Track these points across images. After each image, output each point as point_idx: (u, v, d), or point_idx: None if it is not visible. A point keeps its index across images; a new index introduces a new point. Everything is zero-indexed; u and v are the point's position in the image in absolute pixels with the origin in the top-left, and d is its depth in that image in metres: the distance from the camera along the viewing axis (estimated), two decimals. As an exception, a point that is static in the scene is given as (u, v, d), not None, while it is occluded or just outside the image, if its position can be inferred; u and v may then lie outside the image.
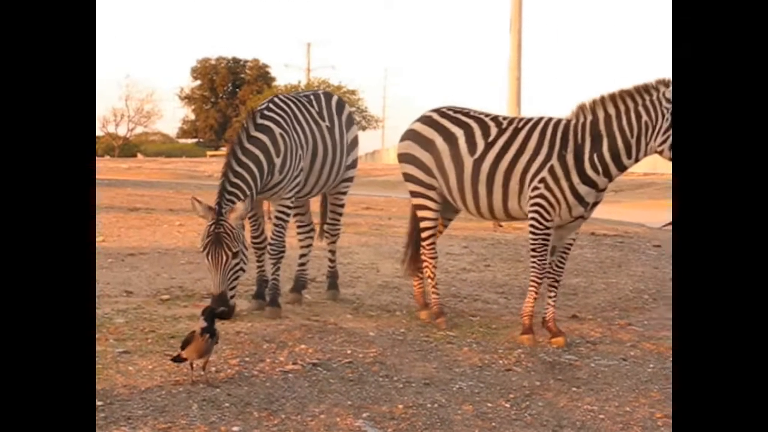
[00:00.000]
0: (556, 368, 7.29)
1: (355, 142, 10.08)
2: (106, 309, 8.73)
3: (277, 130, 8.76)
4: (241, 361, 6.85)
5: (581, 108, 8.13)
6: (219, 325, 6.55)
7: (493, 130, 8.49)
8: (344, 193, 10.22)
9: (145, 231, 16.13)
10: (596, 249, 15.58)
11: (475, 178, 8.42)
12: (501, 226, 18.69)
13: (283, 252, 9.08)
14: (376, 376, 6.71)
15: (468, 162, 8.46)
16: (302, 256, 9.95)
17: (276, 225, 9.01)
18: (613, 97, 7.95)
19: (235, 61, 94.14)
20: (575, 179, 8.02)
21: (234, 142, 8.59)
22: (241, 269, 7.98)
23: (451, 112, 8.82)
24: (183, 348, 6.24)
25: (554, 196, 8.06)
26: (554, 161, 8.08)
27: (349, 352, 7.34)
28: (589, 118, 8.04)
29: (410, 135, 8.91)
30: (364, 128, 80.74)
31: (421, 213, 8.91)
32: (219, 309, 6.49)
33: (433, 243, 8.94)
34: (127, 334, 7.63)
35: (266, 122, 8.78)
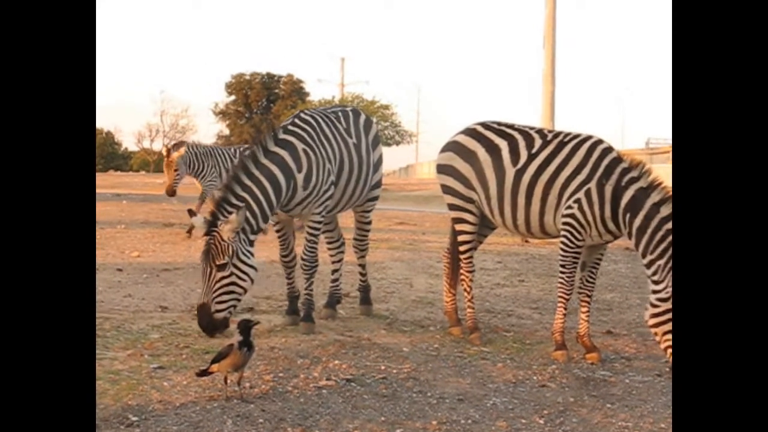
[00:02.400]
0: (590, 384, 7.26)
1: (380, 161, 10.04)
2: (141, 324, 8.79)
3: (300, 146, 8.76)
4: (275, 376, 6.87)
5: (641, 166, 7.97)
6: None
7: (538, 142, 8.46)
8: (370, 211, 10.22)
9: (180, 246, 16.22)
10: (631, 264, 15.51)
11: (515, 188, 8.37)
12: (528, 241, 18.66)
13: (316, 267, 9.09)
14: (409, 392, 6.70)
15: (510, 172, 8.43)
16: (335, 271, 9.96)
17: (308, 240, 9.02)
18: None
19: (270, 76, 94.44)
20: (607, 212, 7.95)
21: (246, 156, 8.61)
22: (234, 284, 7.98)
23: (495, 125, 8.81)
24: (217, 361, 6.27)
25: (586, 219, 8.02)
26: (593, 185, 8.01)
27: (382, 367, 7.34)
28: (642, 183, 7.81)
29: (452, 146, 8.89)
30: (398, 143, 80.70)
31: (459, 226, 8.89)
32: (254, 322, 6.50)
33: (471, 257, 8.93)
34: (162, 350, 7.67)
35: (289, 137, 8.77)
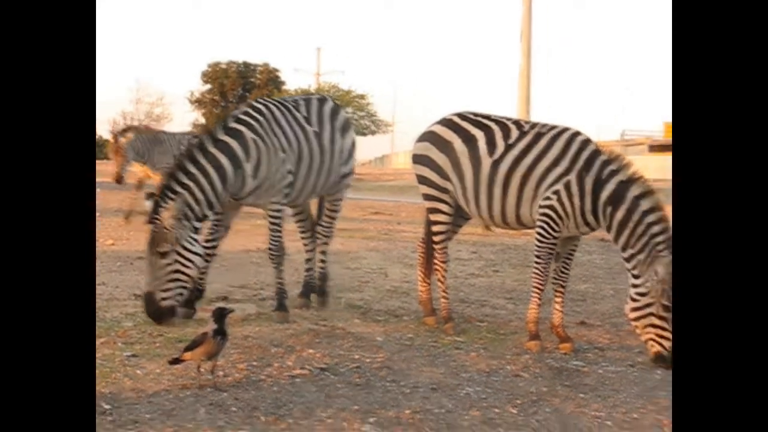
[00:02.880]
0: (563, 374, 7.27)
1: (352, 149, 9.90)
2: (115, 312, 8.76)
3: (249, 135, 8.66)
4: (248, 365, 6.85)
5: (620, 158, 8.00)
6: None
7: (515, 133, 8.42)
8: (341, 199, 10.04)
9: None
10: (605, 255, 15.57)
11: (492, 179, 8.33)
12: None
13: (282, 256, 9.04)
14: (383, 381, 6.70)
15: (486, 163, 8.38)
16: (308, 260, 9.91)
17: (271, 230, 8.96)
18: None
19: (246, 65, 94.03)
20: (587, 205, 7.95)
21: (193, 144, 8.56)
22: (178, 271, 8.03)
23: (471, 115, 8.77)
24: (190, 349, 6.25)
25: (564, 210, 8.00)
26: (573, 177, 8.00)
27: (356, 356, 7.34)
28: (623, 176, 7.86)
29: (428, 137, 8.86)
30: (373, 132, 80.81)
31: (433, 216, 8.86)
32: (228, 311, 6.49)
33: (445, 247, 8.91)
34: (135, 338, 7.65)
35: (238, 126, 8.69)
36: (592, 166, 7.95)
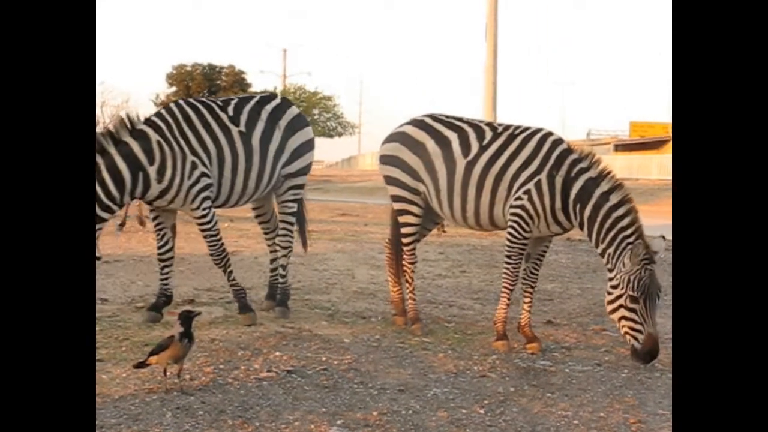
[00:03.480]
0: (530, 374, 7.29)
1: (303, 148, 9.41)
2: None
3: (154, 137, 8.42)
4: (215, 368, 6.83)
5: (590, 156, 8.01)
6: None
7: (488, 134, 8.39)
8: (293, 201, 9.49)
9: (120, 238, 16.09)
10: (572, 254, 15.64)
11: (466, 180, 8.29)
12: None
13: (226, 258, 8.82)
14: (350, 383, 6.69)
15: (461, 164, 8.34)
16: (273, 260, 9.77)
17: (204, 236, 8.77)
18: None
19: (211, 67, 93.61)
20: (558, 204, 7.95)
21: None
22: None
23: (443, 117, 8.74)
24: (156, 353, 6.22)
25: (535, 210, 7.98)
26: (543, 177, 7.98)
27: (324, 359, 7.33)
28: (592, 173, 7.87)
29: (398, 137, 8.78)
30: (340, 134, 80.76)
31: (403, 218, 8.82)
32: (195, 314, 6.46)
33: (414, 249, 8.91)
34: (101, 342, 7.58)
35: (145, 128, 8.46)
36: (561, 165, 7.96)
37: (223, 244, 8.84)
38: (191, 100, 9.03)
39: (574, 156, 8.00)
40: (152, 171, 8.37)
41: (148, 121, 8.54)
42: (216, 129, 8.80)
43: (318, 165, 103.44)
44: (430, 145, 8.54)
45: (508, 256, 8.19)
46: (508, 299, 8.24)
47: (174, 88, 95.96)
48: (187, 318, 6.29)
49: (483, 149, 8.31)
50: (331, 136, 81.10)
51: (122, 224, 17.59)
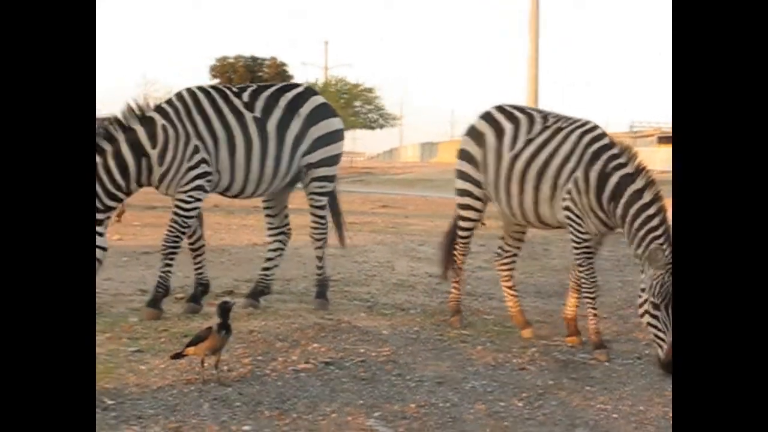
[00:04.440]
0: (569, 367, 7.24)
1: (327, 138, 9.17)
2: (120, 308, 8.76)
3: (160, 121, 8.43)
4: (253, 359, 6.82)
5: (628, 151, 7.70)
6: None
7: (537, 127, 8.14)
8: (320, 194, 9.28)
9: (162, 229, 16.12)
10: (613, 247, 15.50)
11: (509, 174, 8.11)
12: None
13: (173, 252, 8.71)
14: (388, 375, 6.67)
15: (507, 157, 8.16)
16: (267, 260, 9.49)
17: (172, 221, 8.64)
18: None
19: (254, 59, 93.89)
20: (593, 202, 7.66)
21: (100, 132, 8.30)
22: None
23: (508, 107, 8.52)
24: (193, 344, 6.23)
25: (579, 209, 7.73)
26: (579, 173, 7.73)
27: (362, 350, 7.31)
28: (629, 169, 7.54)
29: (468, 130, 8.63)
30: (381, 126, 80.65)
31: (463, 212, 8.70)
32: (231, 304, 6.47)
33: (468, 242, 8.83)
34: (141, 333, 7.63)
35: (153, 114, 8.48)
36: (597, 160, 7.66)
37: (181, 240, 8.71)
38: (204, 86, 8.98)
39: (612, 151, 7.67)
40: (154, 154, 8.38)
41: (157, 108, 8.57)
42: (228, 114, 8.74)
43: (359, 157, 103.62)
44: (489, 137, 8.36)
45: (578, 263, 7.90)
46: (594, 308, 7.87)
47: (217, 80, 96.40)
48: (224, 309, 6.29)
49: (528, 143, 8.09)
50: (373, 128, 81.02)
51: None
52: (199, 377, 6.24)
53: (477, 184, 8.50)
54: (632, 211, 7.39)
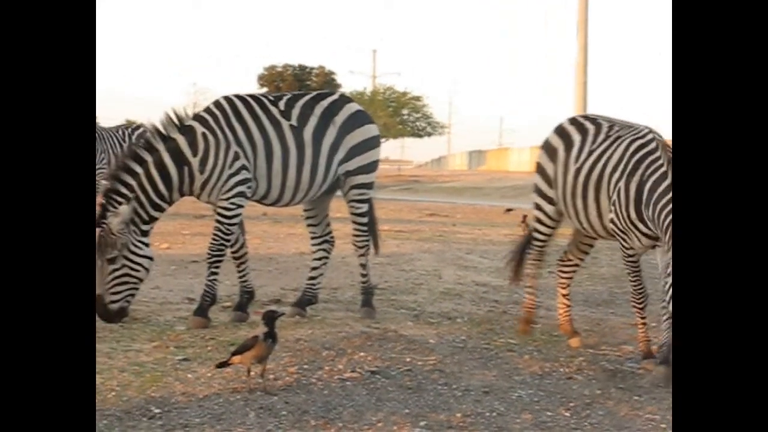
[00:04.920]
0: (617, 376, 7.19)
1: (363, 145, 9.16)
2: (168, 316, 8.81)
3: (200, 130, 8.45)
4: (299, 368, 6.83)
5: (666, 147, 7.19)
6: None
7: (600, 137, 7.93)
8: (360, 201, 9.26)
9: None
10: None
11: (573, 188, 7.95)
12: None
13: (219, 260, 8.69)
14: (435, 384, 6.65)
15: (571, 170, 8.00)
16: (313, 269, 9.43)
17: (215, 230, 8.64)
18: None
19: (302, 68, 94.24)
20: (632, 214, 7.38)
21: (138, 142, 8.42)
22: (127, 275, 8.03)
23: (580, 118, 8.45)
24: (239, 353, 6.24)
25: (621, 223, 7.47)
26: (622, 184, 7.46)
27: (408, 359, 7.29)
28: (663, 169, 7.11)
29: (543, 144, 8.52)
30: (429, 134, 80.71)
31: (536, 225, 8.66)
32: (279, 313, 6.49)
33: (541, 255, 8.80)
34: (188, 342, 7.67)
35: (192, 122, 8.50)
36: (637, 171, 7.34)
37: (226, 248, 8.74)
38: (242, 94, 8.99)
39: (653, 156, 7.27)
40: (195, 162, 8.41)
41: (196, 116, 8.60)
42: (265, 122, 8.76)
43: (407, 165, 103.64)
44: (560, 150, 8.21)
45: (629, 276, 7.80)
46: (643, 318, 7.81)
47: (265, 89, 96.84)
48: (271, 318, 6.30)
49: (589, 154, 7.88)
50: (421, 136, 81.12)
51: None
52: (245, 386, 6.26)
53: (549, 200, 8.40)
54: (662, 216, 6.96)
